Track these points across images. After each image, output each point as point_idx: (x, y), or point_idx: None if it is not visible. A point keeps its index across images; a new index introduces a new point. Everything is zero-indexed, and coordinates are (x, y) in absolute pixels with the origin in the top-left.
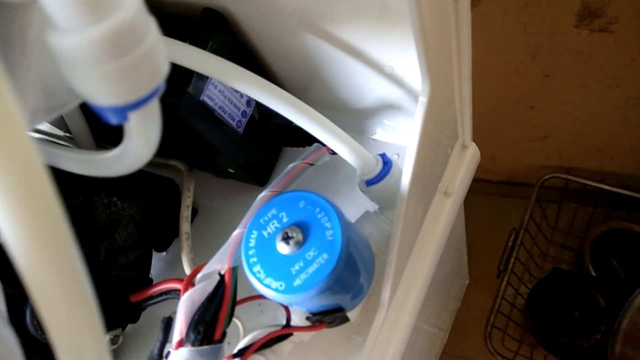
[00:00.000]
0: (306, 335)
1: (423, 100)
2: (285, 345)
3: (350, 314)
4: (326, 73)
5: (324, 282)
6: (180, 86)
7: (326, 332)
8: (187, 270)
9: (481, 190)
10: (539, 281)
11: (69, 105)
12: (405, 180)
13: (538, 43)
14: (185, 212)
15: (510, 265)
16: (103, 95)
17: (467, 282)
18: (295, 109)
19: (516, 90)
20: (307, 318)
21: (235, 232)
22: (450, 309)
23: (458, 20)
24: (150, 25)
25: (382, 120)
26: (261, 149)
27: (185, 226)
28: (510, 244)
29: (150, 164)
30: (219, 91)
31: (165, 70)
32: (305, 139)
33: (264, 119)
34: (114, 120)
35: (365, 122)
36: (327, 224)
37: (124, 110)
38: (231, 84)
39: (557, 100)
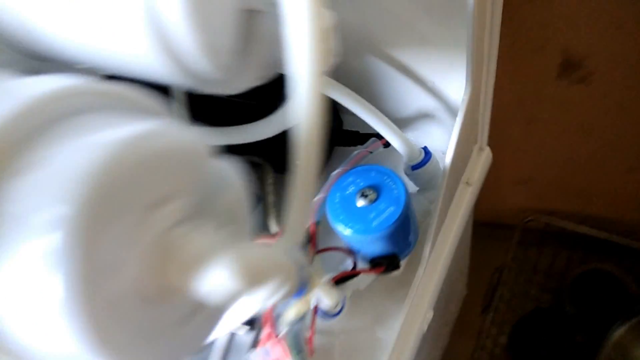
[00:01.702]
0: (362, 284)
1: (465, 98)
2: (348, 287)
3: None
4: (375, 87)
5: (393, 224)
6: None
7: (375, 286)
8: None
9: None
10: (519, 320)
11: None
12: (448, 158)
13: (523, 91)
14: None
15: (494, 305)
16: None
17: (466, 292)
18: (373, 115)
19: (502, 134)
20: (370, 261)
21: (317, 197)
22: (453, 310)
23: (492, 25)
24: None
25: (415, 127)
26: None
27: (270, 197)
28: (493, 284)
29: None
30: None
31: None
32: (353, 140)
33: (330, 122)
34: None
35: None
36: (394, 186)
37: None
38: (328, 93)
39: (541, 145)
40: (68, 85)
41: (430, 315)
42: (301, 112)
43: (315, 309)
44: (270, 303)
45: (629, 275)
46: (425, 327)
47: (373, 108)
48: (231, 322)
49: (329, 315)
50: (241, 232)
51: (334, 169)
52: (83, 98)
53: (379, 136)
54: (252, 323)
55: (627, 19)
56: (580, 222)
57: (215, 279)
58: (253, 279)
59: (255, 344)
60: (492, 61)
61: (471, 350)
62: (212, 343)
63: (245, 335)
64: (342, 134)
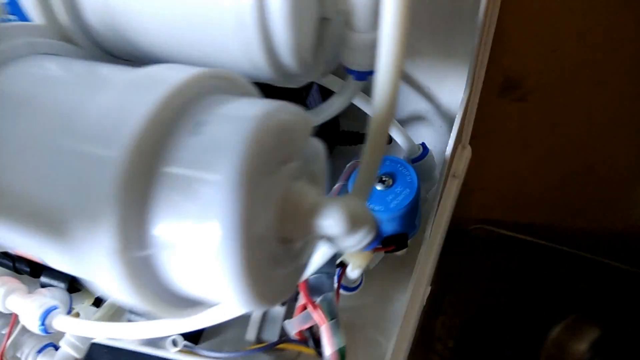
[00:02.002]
0: (372, 264)
1: (464, 97)
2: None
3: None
4: None
5: (409, 205)
6: (300, 92)
7: (381, 267)
8: None
9: None
10: (465, 323)
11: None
12: (448, 151)
13: None
14: None
15: (443, 309)
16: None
17: (432, 287)
18: None
19: None
20: (381, 241)
21: (336, 185)
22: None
23: (488, 36)
24: None
25: (409, 127)
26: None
27: None
28: (441, 290)
29: None
30: (314, 99)
31: None
32: (353, 139)
33: (329, 124)
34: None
35: None
36: (407, 173)
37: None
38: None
39: (483, 158)
40: (205, 70)
41: (428, 290)
42: (382, 89)
43: (339, 283)
44: (358, 247)
45: (565, 278)
46: (424, 301)
47: None
48: (315, 263)
49: (348, 288)
50: None
51: (336, 165)
52: (215, 81)
53: None
54: None
55: (560, 44)
56: (520, 230)
57: (328, 223)
58: (354, 225)
59: (288, 314)
60: (482, 68)
61: (424, 354)
62: (248, 317)
63: (278, 308)
64: (340, 134)
